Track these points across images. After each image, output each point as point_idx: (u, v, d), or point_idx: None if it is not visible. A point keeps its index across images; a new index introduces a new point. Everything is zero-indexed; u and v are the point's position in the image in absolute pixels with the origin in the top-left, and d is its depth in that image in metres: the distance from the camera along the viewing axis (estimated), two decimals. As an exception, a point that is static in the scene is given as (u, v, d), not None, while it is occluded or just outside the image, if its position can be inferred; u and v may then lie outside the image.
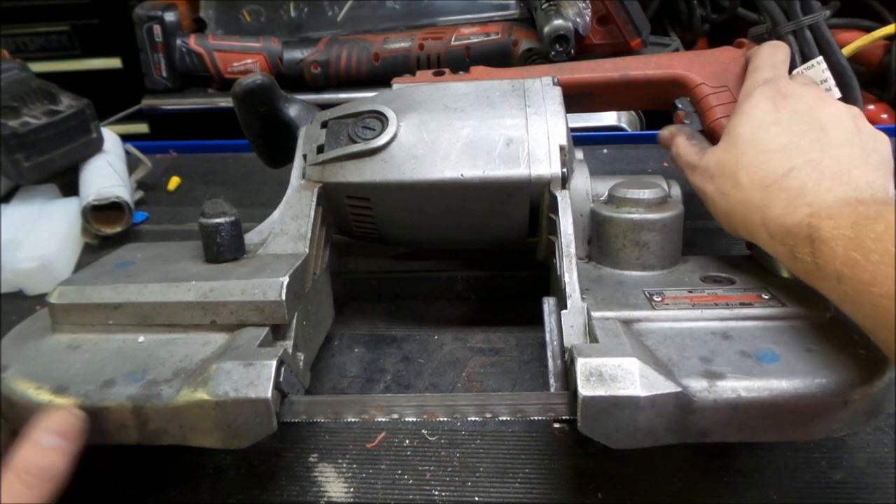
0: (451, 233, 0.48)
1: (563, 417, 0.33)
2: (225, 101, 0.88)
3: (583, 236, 0.45)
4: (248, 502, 0.40)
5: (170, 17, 0.88)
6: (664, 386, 0.31)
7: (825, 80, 0.48)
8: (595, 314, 0.37)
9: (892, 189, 0.35)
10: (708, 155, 0.42)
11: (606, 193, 0.46)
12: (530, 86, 0.47)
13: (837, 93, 0.48)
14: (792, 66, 0.48)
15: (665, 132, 0.48)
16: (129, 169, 0.71)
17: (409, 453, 0.41)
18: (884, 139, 0.38)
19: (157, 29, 0.87)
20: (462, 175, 0.43)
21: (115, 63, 1.02)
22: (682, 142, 0.45)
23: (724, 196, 0.39)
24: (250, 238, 0.45)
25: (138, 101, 0.91)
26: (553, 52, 0.74)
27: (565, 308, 0.37)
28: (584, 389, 0.31)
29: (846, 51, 0.60)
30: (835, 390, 0.31)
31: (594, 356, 0.32)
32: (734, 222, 0.39)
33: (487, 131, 0.44)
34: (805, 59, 0.49)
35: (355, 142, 0.44)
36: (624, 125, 0.78)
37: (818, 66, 0.48)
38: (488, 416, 0.34)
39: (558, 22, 0.73)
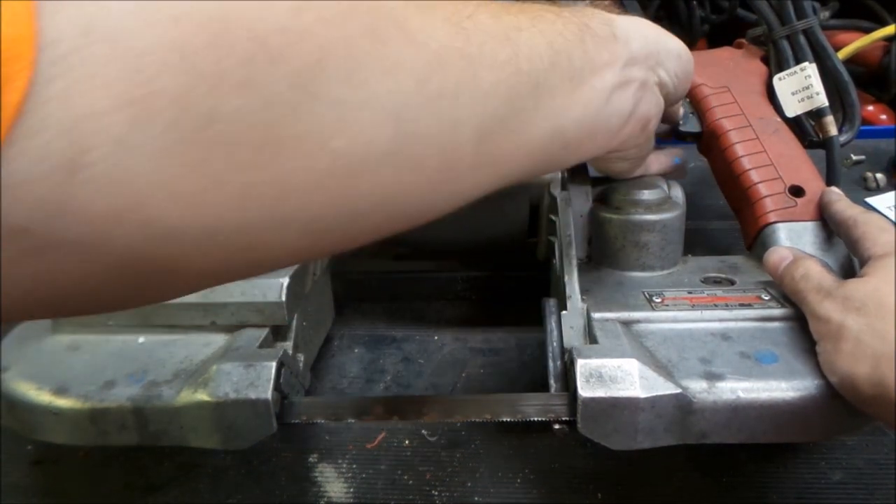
0: (450, 233, 0.48)
1: (563, 418, 0.33)
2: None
3: (583, 237, 0.45)
4: (248, 502, 0.40)
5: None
6: (664, 387, 0.31)
7: (808, 87, 0.48)
8: (595, 315, 0.37)
9: None
10: (853, 284, 0.34)
11: (607, 194, 0.46)
12: (530, 86, 0.47)
13: (824, 99, 0.48)
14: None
15: (782, 251, 0.40)
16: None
17: (409, 454, 0.41)
18: None
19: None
20: (462, 176, 0.43)
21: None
22: (813, 264, 0.37)
23: (877, 336, 0.31)
24: (250, 239, 0.45)
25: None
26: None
27: (565, 309, 0.38)
28: (584, 390, 0.31)
29: (845, 52, 0.60)
30: (834, 391, 0.32)
31: (594, 357, 0.32)
32: (885, 371, 0.30)
33: (487, 132, 0.44)
34: (799, 64, 0.49)
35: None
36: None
37: (801, 73, 0.48)
38: (488, 416, 0.34)
39: (558, 22, 0.73)
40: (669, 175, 0.48)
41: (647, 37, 0.35)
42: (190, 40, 0.16)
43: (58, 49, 0.15)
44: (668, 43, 0.37)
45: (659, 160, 0.47)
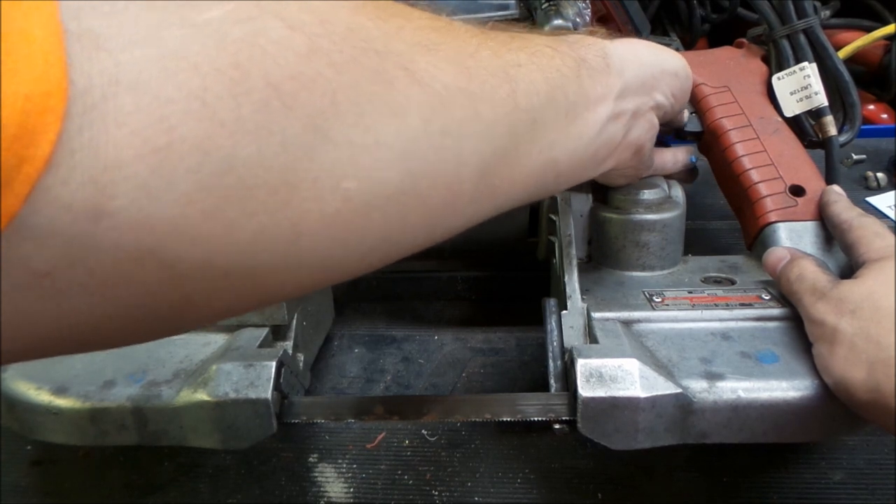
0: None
1: (563, 418, 0.33)
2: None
3: (583, 236, 0.45)
4: (248, 502, 0.40)
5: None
6: (664, 387, 0.31)
7: (807, 87, 0.48)
8: (595, 315, 0.37)
9: None
10: (848, 285, 0.33)
11: (607, 194, 0.46)
12: (530, 86, 0.47)
13: (823, 98, 0.48)
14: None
15: (781, 251, 0.39)
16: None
17: (409, 454, 0.41)
18: None
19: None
20: (462, 175, 0.43)
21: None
22: (809, 265, 0.36)
23: (872, 341, 0.30)
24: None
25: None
26: (553, 52, 0.74)
27: (565, 309, 0.38)
28: (584, 390, 0.31)
29: (845, 51, 0.60)
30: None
31: (594, 357, 0.32)
32: (881, 376, 0.29)
33: (487, 132, 0.44)
34: (799, 63, 0.49)
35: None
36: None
37: (799, 73, 0.48)
38: (488, 416, 0.34)
39: (558, 22, 0.73)
40: (682, 176, 0.48)
41: (642, 62, 0.35)
42: (210, 87, 0.17)
43: (88, 99, 0.15)
44: (664, 64, 0.38)
45: (676, 157, 0.47)
